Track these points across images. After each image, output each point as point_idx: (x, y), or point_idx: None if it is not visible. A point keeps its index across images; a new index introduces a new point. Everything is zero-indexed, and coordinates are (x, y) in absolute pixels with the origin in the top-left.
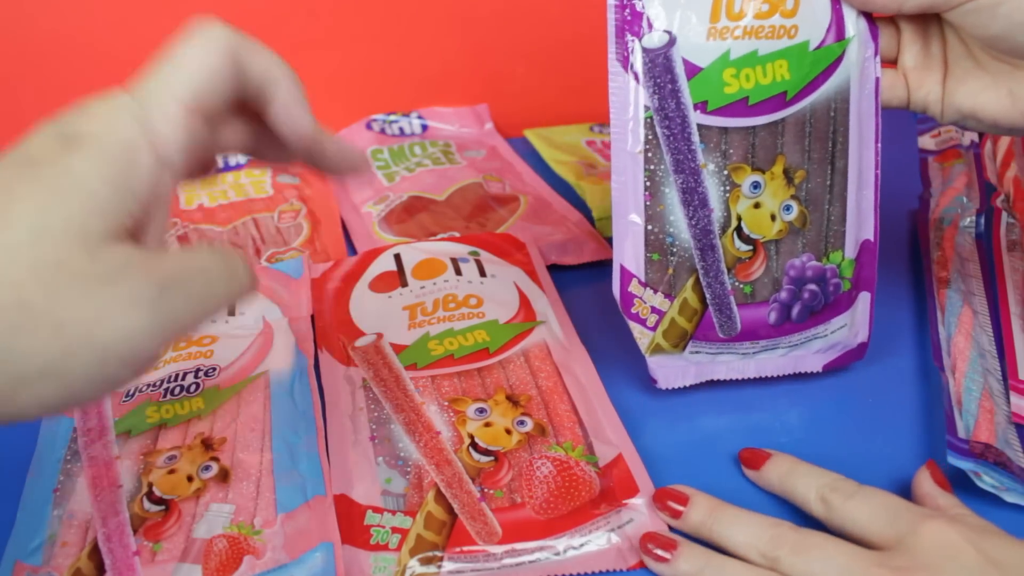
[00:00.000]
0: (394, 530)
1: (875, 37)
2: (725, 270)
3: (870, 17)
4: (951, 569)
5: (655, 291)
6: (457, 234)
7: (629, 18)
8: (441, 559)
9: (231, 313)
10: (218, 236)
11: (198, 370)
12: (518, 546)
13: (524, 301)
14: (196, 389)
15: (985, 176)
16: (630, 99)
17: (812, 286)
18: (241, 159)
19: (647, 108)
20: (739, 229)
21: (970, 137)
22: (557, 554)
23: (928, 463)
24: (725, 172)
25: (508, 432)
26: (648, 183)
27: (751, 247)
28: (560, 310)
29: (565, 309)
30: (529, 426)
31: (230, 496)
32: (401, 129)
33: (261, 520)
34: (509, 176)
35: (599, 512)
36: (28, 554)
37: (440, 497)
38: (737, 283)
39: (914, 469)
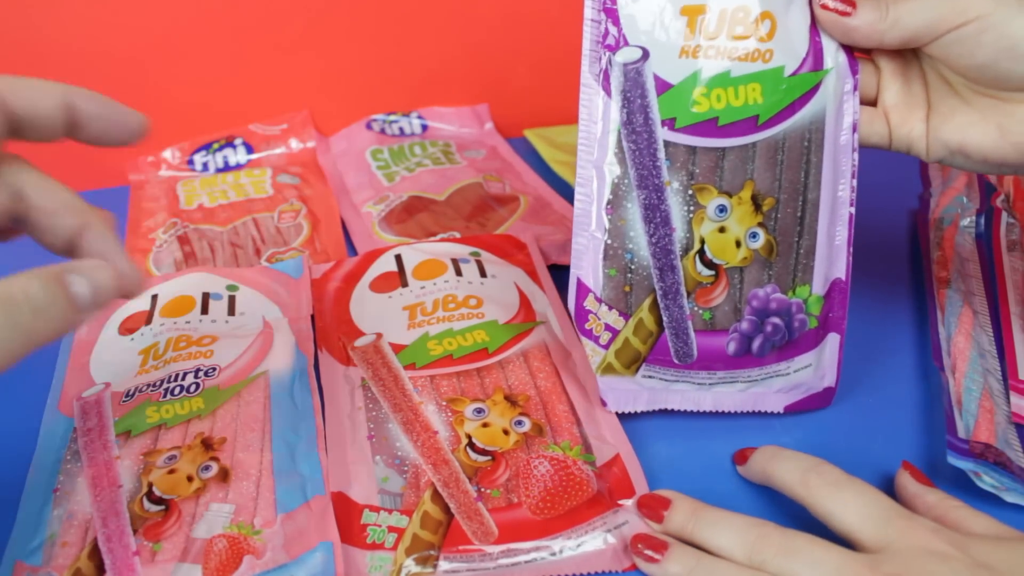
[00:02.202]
0: (390, 529)
1: (855, 72)
2: (684, 293)
3: (851, 52)
4: (942, 575)
5: (610, 308)
6: (457, 234)
7: (605, 32)
8: (437, 559)
9: (231, 312)
10: (218, 236)
11: (198, 370)
12: (514, 546)
13: (524, 301)
14: (196, 389)
15: (985, 176)
16: (599, 111)
17: (776, 319)
18: (241, 159)
19: (616, 121)
20: (702, 252)
21: None
22: (553, 554)
23: (903, 464)
24: (690, 192)
25: (506, 432)
26: (611, 196)
27: (713, 272)
28: (560, 310)
29: (565, 309)
30: (527, 426)
31: (230, 496)
32: (401, 129)
33: (261, 520)
34: (509, 176)
35: (595, 512)
36: (28, 554)
37: (437, 496)
38: (697, 308)
39: None
